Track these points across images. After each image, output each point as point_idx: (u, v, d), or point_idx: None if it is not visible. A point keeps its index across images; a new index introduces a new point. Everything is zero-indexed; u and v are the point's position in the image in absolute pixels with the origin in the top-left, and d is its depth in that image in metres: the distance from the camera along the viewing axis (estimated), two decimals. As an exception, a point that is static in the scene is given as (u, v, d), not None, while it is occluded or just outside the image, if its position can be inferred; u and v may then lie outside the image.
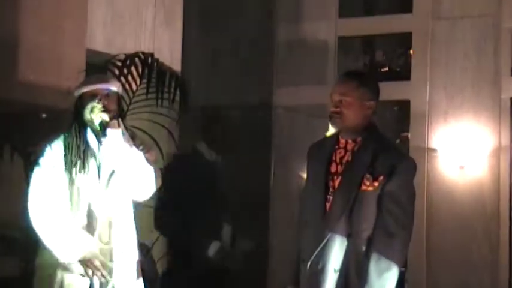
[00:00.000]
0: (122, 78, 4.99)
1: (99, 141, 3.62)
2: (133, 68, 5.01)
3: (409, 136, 7.04)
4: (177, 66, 6.19)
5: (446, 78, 6.87)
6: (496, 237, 6.55)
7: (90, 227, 3.59)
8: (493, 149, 6.65)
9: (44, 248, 3.61)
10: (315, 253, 3.33)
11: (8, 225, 4.81)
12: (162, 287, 4.84)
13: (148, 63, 5.06)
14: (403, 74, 7.28)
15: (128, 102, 5.01)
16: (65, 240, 3.55)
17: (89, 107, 3.60)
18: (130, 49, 5.41)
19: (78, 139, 3.63)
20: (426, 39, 6.98)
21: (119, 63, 5.04)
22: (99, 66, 5.12)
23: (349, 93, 3.37)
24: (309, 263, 3.34)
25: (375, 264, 3.27)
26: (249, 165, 6.66)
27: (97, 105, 3.59)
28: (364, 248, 3.31)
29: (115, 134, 3.56)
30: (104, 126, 3.56)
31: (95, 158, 3.62)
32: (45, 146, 3.68)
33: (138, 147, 3.67)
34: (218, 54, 7.36)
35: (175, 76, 5.24)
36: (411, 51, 7.18)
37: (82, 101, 3.66)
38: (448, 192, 6.71)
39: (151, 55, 5.13)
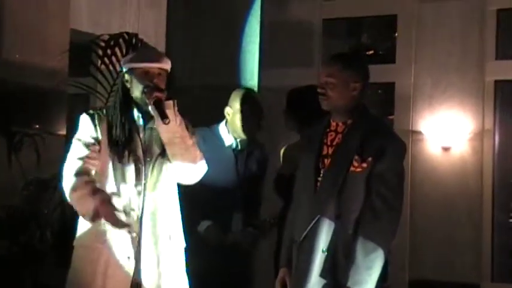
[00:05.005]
0: (106, 59, 4.97)
1: (145, 120, 3.44)
2: (117, 49, 4.98)
3: (394, 118, 7.07)
4: (161, 47, 6.18)
5: (431, 60, 6.89)
6: (479, 217, 6.60)
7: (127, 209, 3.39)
8: (477, 131, 6.69)
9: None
10: (304, 234, 3.38)
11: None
12: None
13: (132, 44, 5.01)
14: (388, 56, 7.30)
15: (111, 83, 4.99)
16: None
17: (140, 86, 3.39)
18: (115, 29, 5.38)
19: (122, 117, 3.43)
20: (411, 22, 7.00)
21: (103, 44, 5.01)
22: (83, 46, 5.09)
23: (333, 74, 3.43)
24: (298, 243, 3.40)
25: (362, 246, 3.31)
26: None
27: (150, 85, 3.35)
28: (352, 230, 3.35)
29: (170, 115, 3.32)
30: (160, 106, 3.32)
31: (140, 137, 3.44)
32: (78, 122, 3.44)
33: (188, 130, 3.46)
34: (203, 35, 7.33)
35: (160, 57, 5.20)
36: (396, 34, 7.20)
37: (131, 78, 3.43)
38: (432, 173, 6.75)
39: (136, 35, 5.09)
